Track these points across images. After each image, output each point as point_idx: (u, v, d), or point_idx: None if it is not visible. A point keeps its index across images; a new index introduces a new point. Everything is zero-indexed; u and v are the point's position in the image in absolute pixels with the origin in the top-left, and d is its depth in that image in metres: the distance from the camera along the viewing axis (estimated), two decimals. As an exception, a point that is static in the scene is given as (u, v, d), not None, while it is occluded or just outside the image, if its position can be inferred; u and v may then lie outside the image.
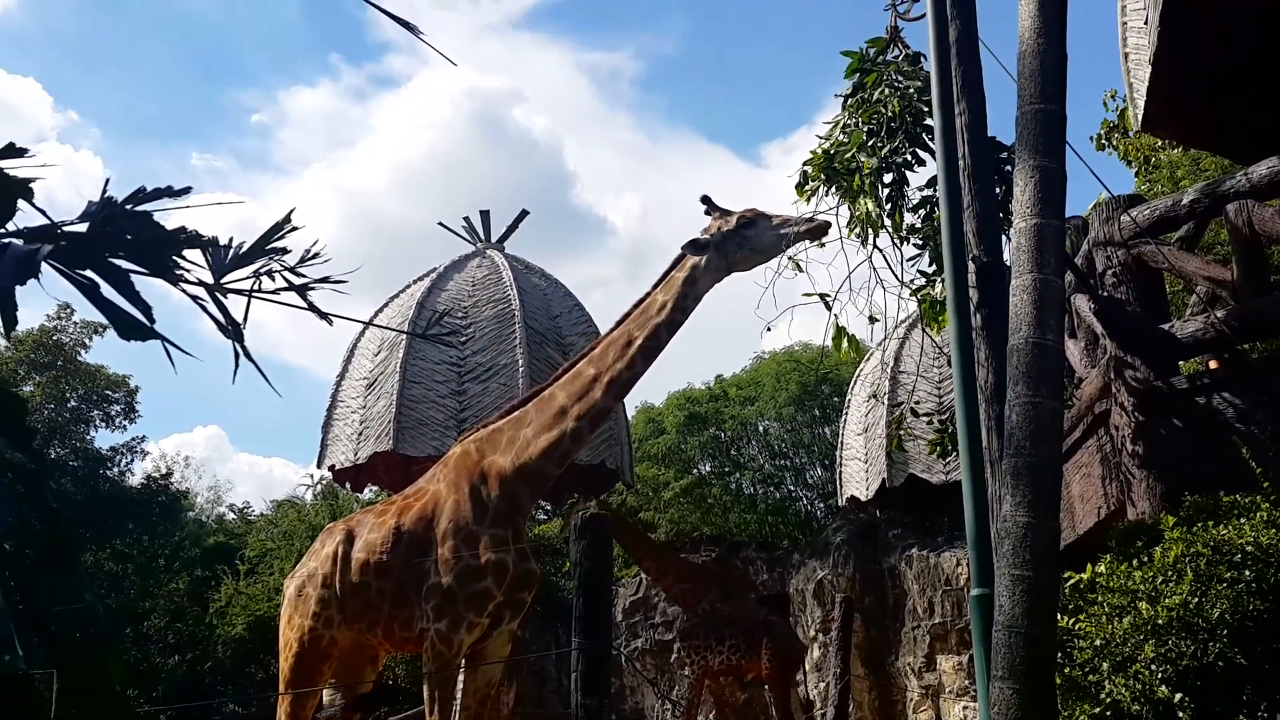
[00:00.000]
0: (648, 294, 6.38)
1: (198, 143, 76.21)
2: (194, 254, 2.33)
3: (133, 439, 26.22)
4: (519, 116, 67.61)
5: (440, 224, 15.95)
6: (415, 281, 14.87)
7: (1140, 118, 8.10)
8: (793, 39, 69.81)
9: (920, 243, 6.66)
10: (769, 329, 6.45)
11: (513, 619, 6.33)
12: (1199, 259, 6.81)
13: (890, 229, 6.65)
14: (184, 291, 2.25)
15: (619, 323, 6.37)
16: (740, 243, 6.23)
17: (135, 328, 2.18)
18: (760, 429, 24.77)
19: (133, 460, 26.24)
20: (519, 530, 6.31)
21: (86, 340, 25.49)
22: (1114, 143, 13.75)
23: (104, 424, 25.74)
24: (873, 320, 6.67)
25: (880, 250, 6.67)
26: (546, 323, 14.20)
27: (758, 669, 10.04)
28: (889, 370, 13.91)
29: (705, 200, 6.46)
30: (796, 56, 70.39)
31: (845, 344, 6.85)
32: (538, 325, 14.01)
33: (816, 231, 6.16)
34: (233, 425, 67.82)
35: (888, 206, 6.59)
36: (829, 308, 6.72)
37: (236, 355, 2.22)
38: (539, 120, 68.28)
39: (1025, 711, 4.00)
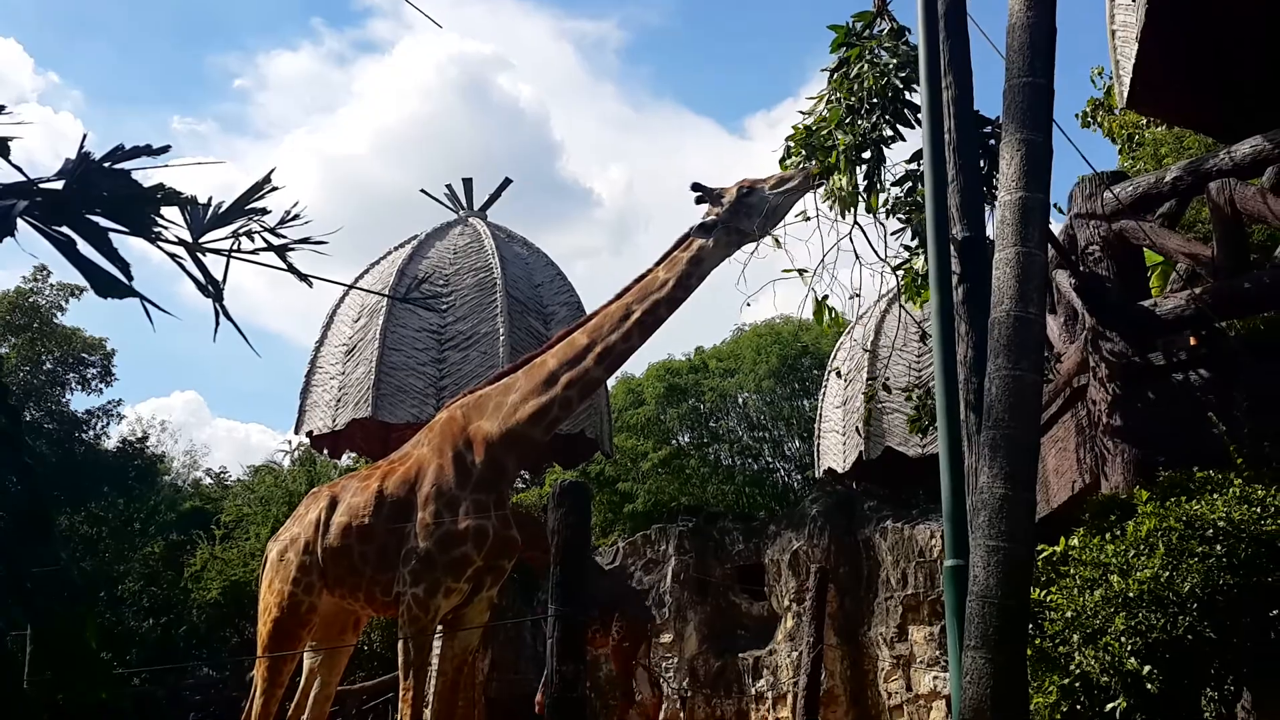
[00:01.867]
0: (648, 271, 6.39)
1: (179, 107, 75.33)
2: (173, 213, 2.30)
3: (109, 402, 26.09)
4: (504, 84, 67.13)
5: (422, 191, 15.85)
6: (396, 248, 14.77)
7: (1126, 95, 8.10)
8: (778, 11, 69.46)
9: (904, 217, 6.66)
10: (749, 304, 6.52)
11: (493, 586, 6.34)
12: (1180, 236, 6.85)
13: (867, 204, 6.65)
14: (162, 250, 2.22)
15: (617, 297, 6.37)
16: (748, 212, 6.29)
17: (113, 285, 2.16)
18: (739, 401, 24.83)
19: (108, 424, 26.11)
20: (502, 496, 6.31)
21: (63, 302, 25.26)
22: (1099, 120, 13.76)
23: (80, 387, 25.58)
24: (854, 296, 6.69)
25: (860, 226, 6.68)
26: (528, 291, 14.15)
27: (606, 643, 10.16)
28: (868, 345, 13.96)
29: (696, 187, 6.47)
30: (782, 29, 70.07)
31: (827, 316, 6.87)
32: (519, 294, 13.96)
33: (809, 180, 6.30)
34: (211, 391, 67.56)
35: (864, 182, 6.60)
36: (807, 283, 6.74)
37: (216, 315, 2.20)
38: (525, 89, 67.80)
39: (996, 681, 4.04)
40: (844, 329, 14.84)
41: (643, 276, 6.39)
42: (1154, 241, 6.69)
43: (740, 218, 6.32)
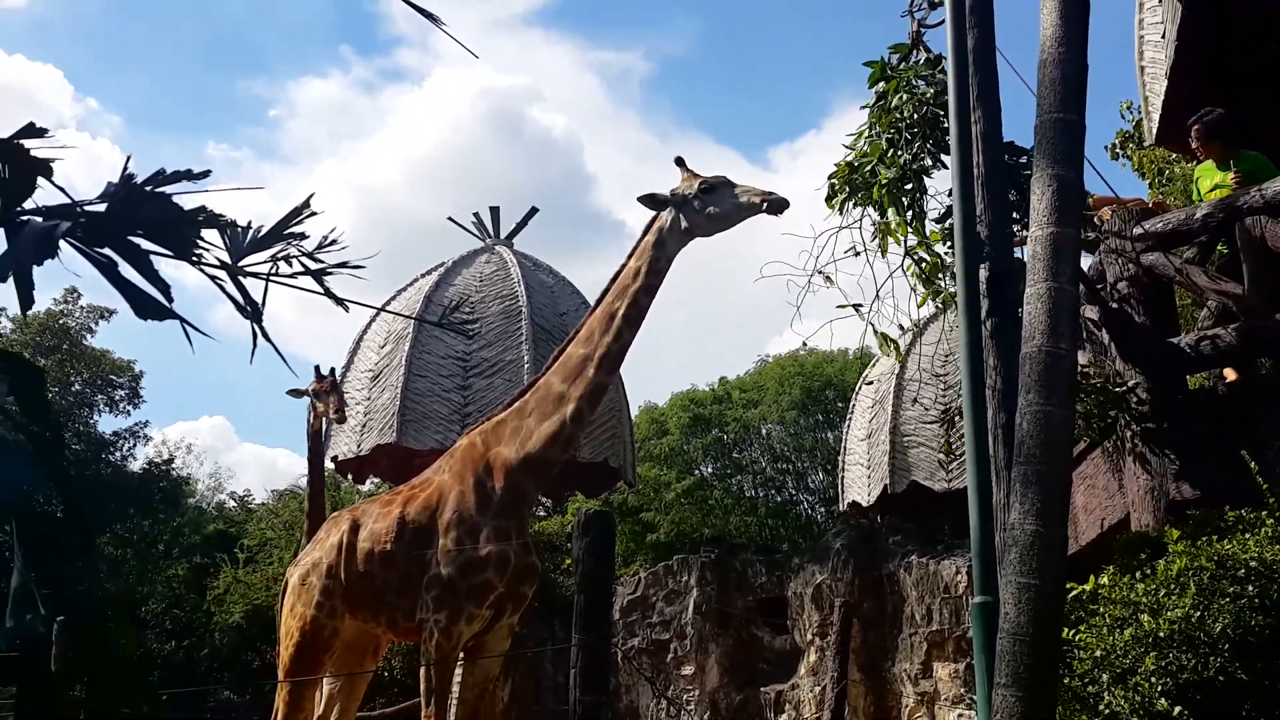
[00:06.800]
0: (623, 265, 6.37)
1: (213, 132, 76.46)
2: (212, 236, 2.33)
3: (136, 424, 26.32)
4: (538, 115, 67.70)
5: (449, 219, 15.99)
6: (423, 275, 14.88)
7: (1155, 131, 8.09)
8: (803, 43, 69.87)
9: (949, 248, 6.68)
10: (804, 344, 6.54)
11: (514, 613, 6.32)
12: (1210, 273, 6.79)
13: (915, 235, 6.67)
14: (203, 272, 2.25)
15: (600, 299, 6.37)
16: (700, 206, 6.19)
17: (153, 307, 2.18)
18: (763, 432, 24.78)
19: (135, 445, 26.33)
20: (523, 522, 6.30)
21: (92, 325, 25.60)
22: (1128, 153, 13.72)
23: (108, 408, 25.85)
24: (909, 329, 6.71)
25: (912, 257, 6.70)
26: (553, 319, 14.20)
27: None
28: (894, 375, 13.90)
29: (679, 162, 6.44)
30: (806, 60, 70.46)
31: (888, 348, 6.92)
32: (544, 322, 14.01)
33: (774, 207, 6.02)
34: (239, 416, 68.12)
35: (908, 214, 6.61)
36: (864, 317, 6.76)
37: (254, 337, 2.22)
38: (558, 119, 68.35)
39: (1027, 719, 3.99)
40: (866, 358, 14.83)
41: (618, 273, 6.37)
42: (1184, 278, 6.65)
43: (690, 210, 6.20)
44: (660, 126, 76.32)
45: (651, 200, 6.31)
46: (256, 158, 75.76)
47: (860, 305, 6.68)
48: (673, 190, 6.31)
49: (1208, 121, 7.16)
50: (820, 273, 6.53)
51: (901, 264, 6.65)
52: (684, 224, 6.21)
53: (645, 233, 6.34)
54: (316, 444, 11.02)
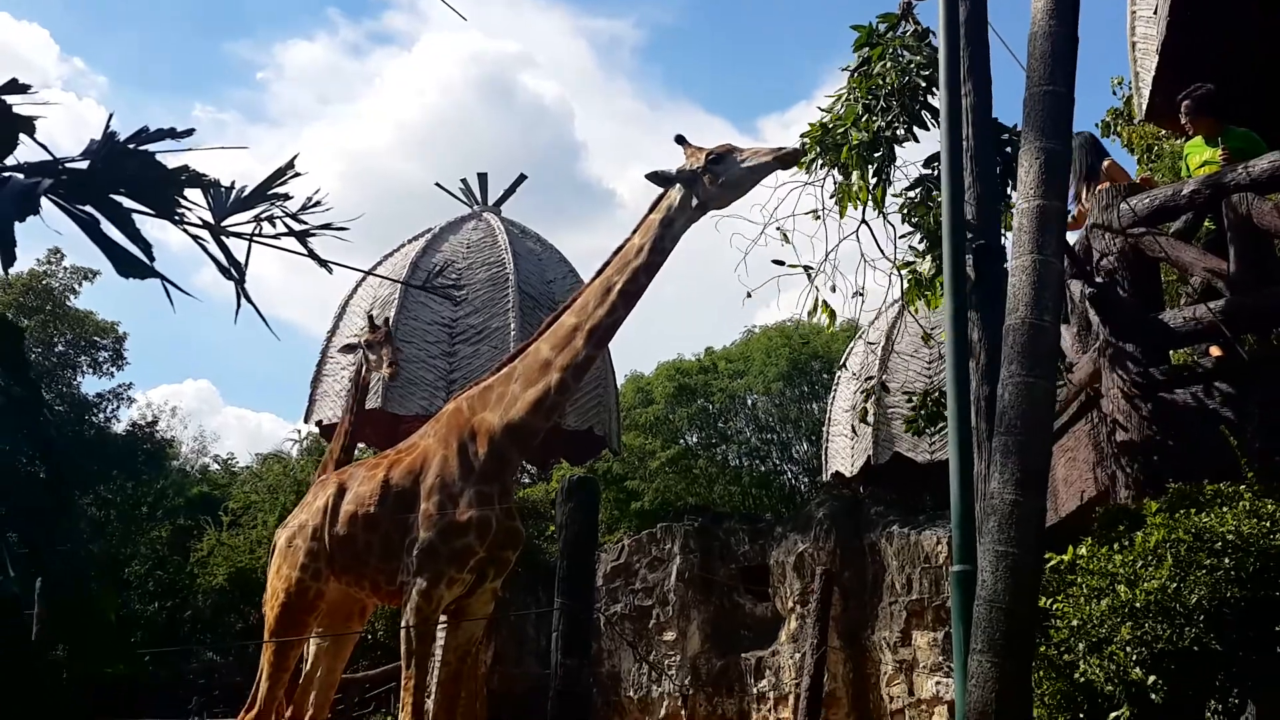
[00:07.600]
0: (626, 239, 6.30)
1: (199, 94, 75.73)
2: (195, 195, 2.31)
3: (119, 386, 26.23)
4: (529, 82, 67.27)
5: (437, 184, 15.92)
6: (410, 241, 14.82)
7: (1145, 107, 8.09)
8: (794, 14, 69.42)
9: (916, 220, 6.65)
10: (749, 295, 6.46)
11: (496, 577, 6.34)
12: (1197, 249, 6.81)
13: (875, 203, 6.64)
14: (185, 231, 2.23)
15: (599, 271, 6.30)
16: (710, 179, 6.09)
17: (134, 265, 2.17)
18: (748, 402, 24.86)
19: (119, 407, 26.25)
20: (506, 488, 6.30)
21: (76, 286, 25.44)
22: (1118, 129, 13.71)
23: (91, 370, 25.73)
24: (857, 294, 6.69)
25: (867, 224, 6.68)
26: (540, 287, 14.18)
27: None
28: (879, 347, 13.95)
29: (680, 139, 6.35)
30: (797, 33, 70.07)
31: (824, 316, 6.87)
32: (531, 289, 13.99)
33: (786, 160, 5.93)
34: (224, 379, 67.93)
35: (874, 181, 6.58)
36: (810, 279, 6.73)
37: (238, 298, 2.21)
38: (548, 86, 67.92)
39: (1002, 686, 4.05)
40: (853, 329, 14.89)
41: (621, 246, 6.30)
42: (1170, 254, 6.67)
43: (701, 183, 6.07)
44: (651, 95, 75.97)
45: (659, 177, 6.21)
46: (243, 120, 75.11)
47: (810, 267, 6.66)
48: (680, 168, 6.21)
49: (1197, 97, 7.16)
50: (778, 229, 6.50)
51: (856, 231, 6.64)
52: (695, 200, 6.09)
53: (651, 209, 6.24)
54: (361, 396, 10.25)
